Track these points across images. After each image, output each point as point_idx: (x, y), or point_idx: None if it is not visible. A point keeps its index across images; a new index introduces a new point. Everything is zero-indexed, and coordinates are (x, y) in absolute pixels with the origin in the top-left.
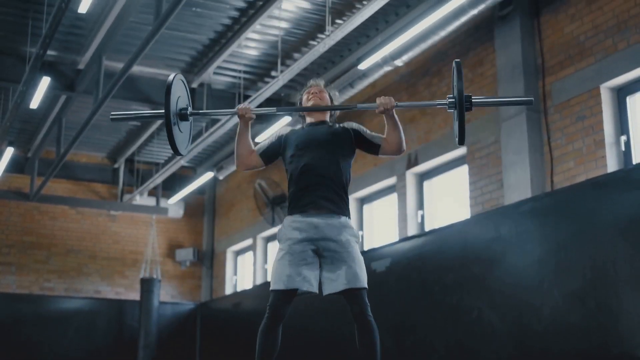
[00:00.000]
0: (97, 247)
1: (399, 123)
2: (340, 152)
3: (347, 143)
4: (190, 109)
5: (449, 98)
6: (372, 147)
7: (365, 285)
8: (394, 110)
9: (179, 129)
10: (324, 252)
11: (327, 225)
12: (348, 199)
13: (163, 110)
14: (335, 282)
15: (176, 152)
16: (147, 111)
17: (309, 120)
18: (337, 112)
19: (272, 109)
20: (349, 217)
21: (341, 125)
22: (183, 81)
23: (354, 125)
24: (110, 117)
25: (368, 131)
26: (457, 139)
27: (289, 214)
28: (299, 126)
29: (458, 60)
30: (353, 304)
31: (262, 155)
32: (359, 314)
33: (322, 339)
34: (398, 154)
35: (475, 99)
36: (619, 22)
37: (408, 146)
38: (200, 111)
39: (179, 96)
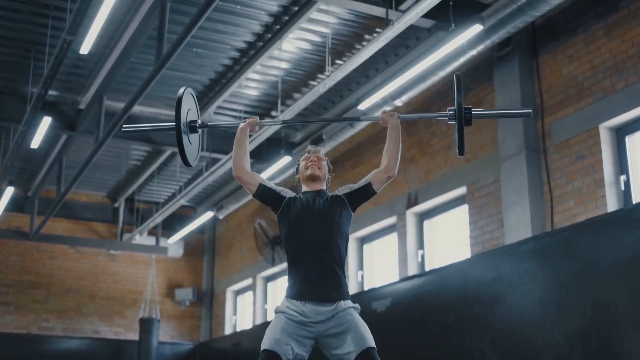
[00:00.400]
0: (97, 287)
1: (400, 138)
2: (338, 228)
3: (344, 213)
4: (199, 122)
5: (449, 110)
6: (366, 191)
7: (373, 344)
8: (399, 122)
9: (189, 140)
10: (324, 336)
11: (327, 312)
12: (346, 277)
13: (174, 123)
14: (346, 355)
15: (186, 162)
16: (159, 124)
17: (305, 188)
18: (330, 180)
19: (278, 121)
20: (348, 297)
21: (334, 194)
22: (192, 95)
23: (343, 189)
24: (122, 129)
25: (355, 184)
26: (457, 150)
27: (287, 295)
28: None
29: (459, 73)
30: None
31: (260, 187)
32: None
33: None
34: (390, 175)
35: (475, 111)
36: (616, 62)
37: (408, 186)
38: (210, 123)
39: (189, 109)
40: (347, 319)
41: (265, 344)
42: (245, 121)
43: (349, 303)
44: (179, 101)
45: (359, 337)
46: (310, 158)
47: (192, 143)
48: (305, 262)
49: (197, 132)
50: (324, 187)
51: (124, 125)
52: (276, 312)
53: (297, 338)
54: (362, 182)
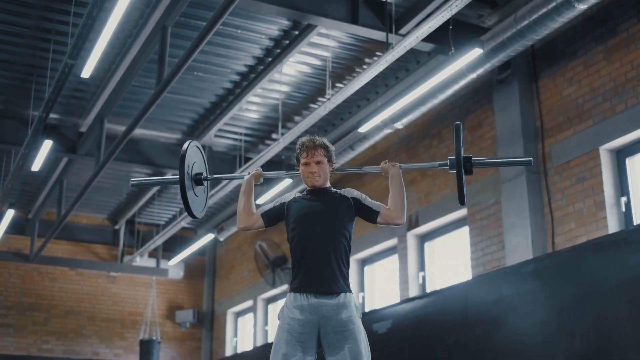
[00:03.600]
0: (97, 309)
1: (403, 187)
2: (340, 224)
3: (347, 214)
4: (205, 174)
5: (450, 159)
6: (370, 214)
7: None
8: (400, 171)
9: (195, 193)
10: (325, 333)
11: (328, 305)
12: (348, 271)
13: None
14: None
15: (192, 215)
16: (165, 177)
17: (308, 188)
18: (333, 170)
19: (282, 172)
20: (350, 291)
21: (341, 192)
22: (199, 147)
23: (354, 193)
24: (131, 182)
25: (369, 199)
26: (458, 199)
27: (291, 290)
28: (297, 191)
29: (458, 123)
30: None
31: (264, 216)
32: None
33: None
34: (398, 222)
35: (476, 160)
36: (616, 85)
37: (409, 207)
38: (215, 176)
39: (195, 161)
40: (350, 327)
41: None
42: (249, 174)
43: (351, 300)
44: (182, 157)
45: (356, 353)
46: (309, 166)
47: (199, 195)
48: (307, 256)
49: (202, 184)
50: (327, 185)
51: (132, 179)
52: (278, 317)
53: (301, 344)
54: (373, 204)
